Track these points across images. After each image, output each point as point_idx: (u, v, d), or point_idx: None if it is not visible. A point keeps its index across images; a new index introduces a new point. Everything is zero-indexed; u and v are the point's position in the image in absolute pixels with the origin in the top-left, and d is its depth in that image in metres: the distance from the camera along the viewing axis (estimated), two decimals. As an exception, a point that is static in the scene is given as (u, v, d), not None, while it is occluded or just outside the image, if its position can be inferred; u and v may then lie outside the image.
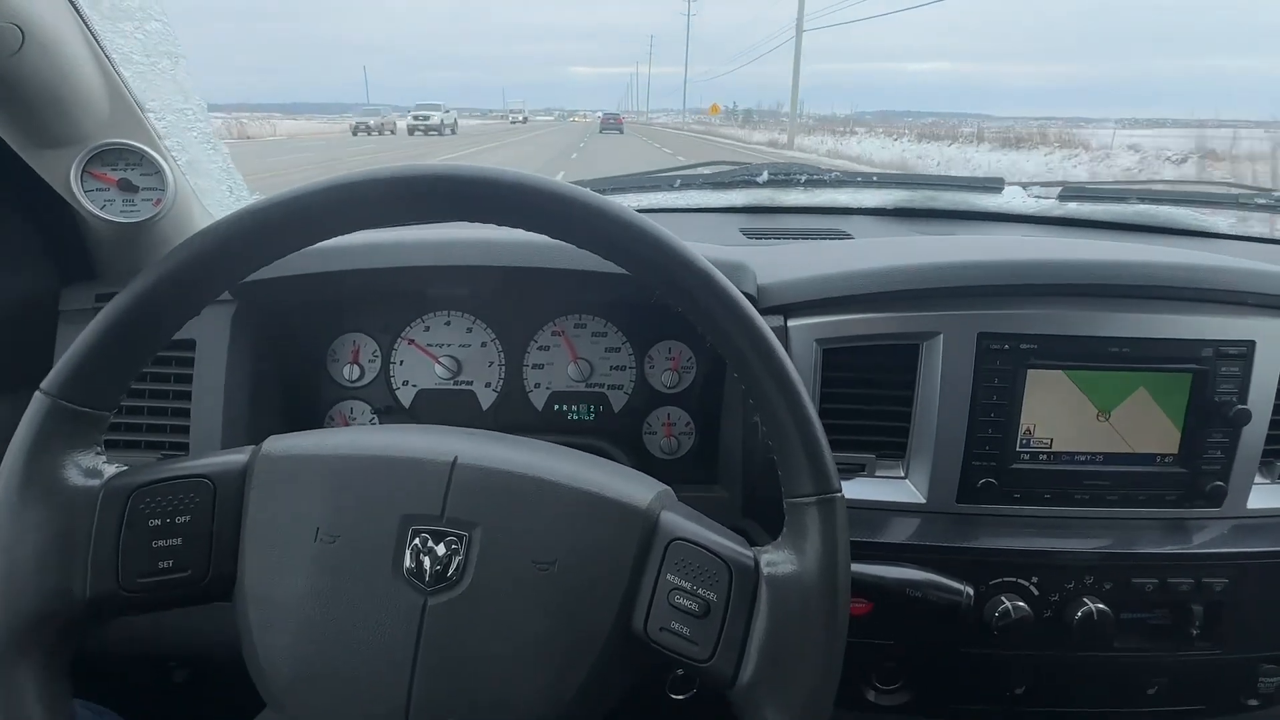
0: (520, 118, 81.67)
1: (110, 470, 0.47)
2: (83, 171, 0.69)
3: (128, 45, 0.75)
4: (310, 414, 0.90)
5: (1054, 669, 0.78)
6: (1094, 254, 0.81)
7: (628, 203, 1.26)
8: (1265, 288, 0.76)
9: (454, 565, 0.47)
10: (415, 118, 34.77)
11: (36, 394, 0.45)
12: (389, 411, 0.90)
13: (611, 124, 47.29)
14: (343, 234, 0.50)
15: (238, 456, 0.50)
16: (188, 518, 0.47)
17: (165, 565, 0.46)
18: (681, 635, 0.47)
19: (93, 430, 0.47)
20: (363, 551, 0.47)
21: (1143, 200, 1.29)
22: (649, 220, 0.48)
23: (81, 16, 0.68)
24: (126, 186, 0.70)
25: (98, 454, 0.48)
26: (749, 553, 0.48)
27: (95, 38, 0.70)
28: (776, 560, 0.48)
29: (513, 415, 0.91)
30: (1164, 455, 0.77)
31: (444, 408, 0.91)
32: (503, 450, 0.51)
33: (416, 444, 0.51)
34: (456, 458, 0.49)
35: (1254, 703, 0.81)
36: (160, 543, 0.46)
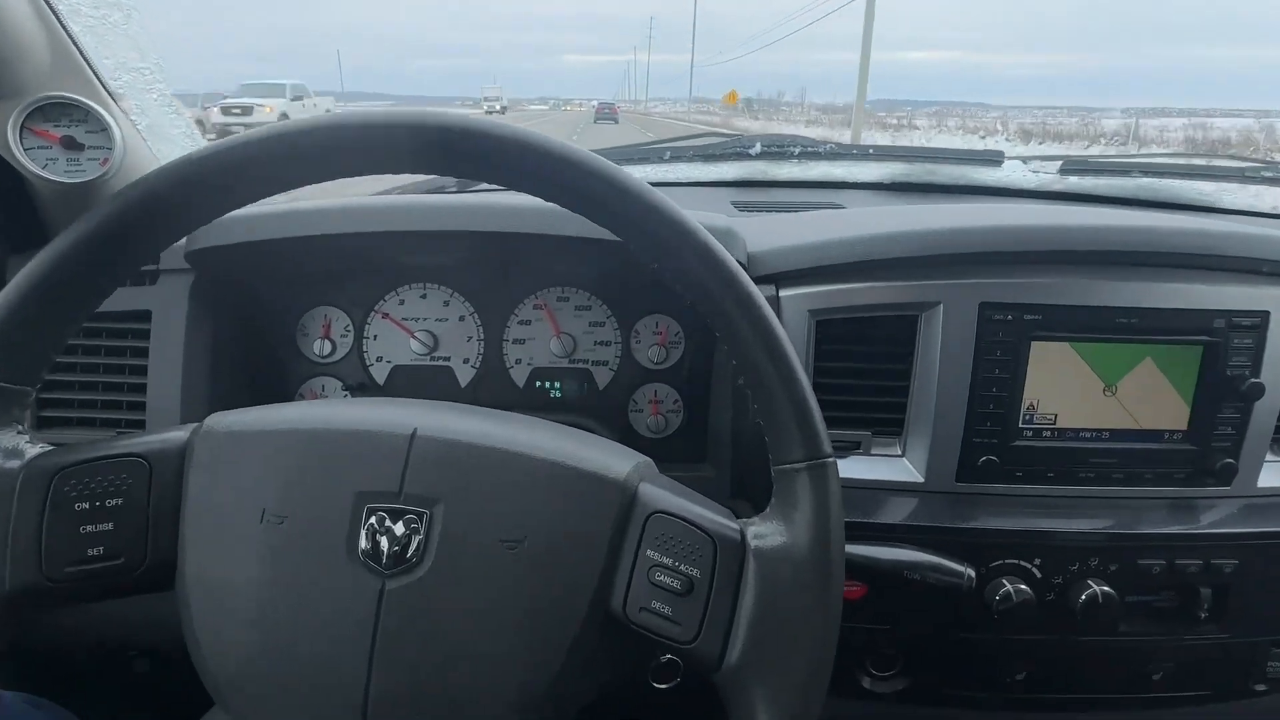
0: (496, 106, 64.38)
1: (33, 450, 0.43)
2: (21, 127, 0.64)
3: (73, -4, 0.70)
4: (280, 390, 0.86)
5: (1056, 654, 0.75)
6: (1100, 220, 0.77)
7: None
8: None
9: (414, 545, 0.43)
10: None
11: None
12: (362, 388, 0.86)
13: (606, 114, 45.63)
14: (293, 187, 0.45)
15: (177, 434, 0.46)
16: (119, 500, 0.43)
17: (95, 553, 0.43)
18: (663, 615, 0.43)
19: (12, 407, 0.43)
20: (313, 533, 0.43)
21: (1145, 174, 1.26)
22: (630, 174, 0.44)
23: None
24: (70, 144, 0.65)
25: (19, 433, 0.44)
26: (735, 525, 0.45)
27: None
28: (764, 532, 0.44)
29: (492, 392, 0.87)
30: (1173, 431, 0.74)
31: (420, 384, 0.87)
32: (467, 421, 0.47)
33: (373, 416, 0.47)
34: (416, 430, 0.45)
35: (1262, 688, 0.78)
36: (89, 528, 0.43)
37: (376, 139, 0.42)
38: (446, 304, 0.86)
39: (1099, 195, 1.26)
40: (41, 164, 0.65)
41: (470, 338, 0.87)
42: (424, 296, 0.86)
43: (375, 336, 0.86)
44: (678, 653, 0.43)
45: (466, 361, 0.87)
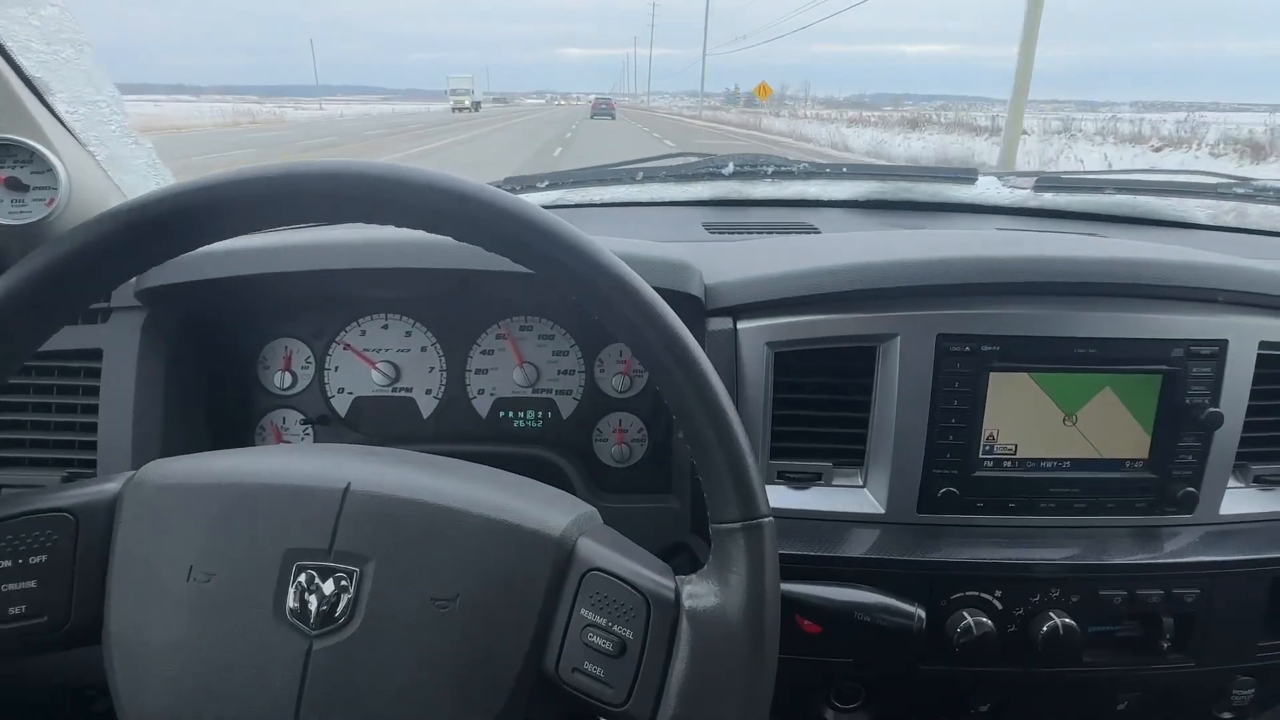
0: (466, 102, 55.39)
1: None
2: (-36, 170, 0.63)
3: (23, 32, 0.70)
4: (241, 425, 0.85)
5: (1020, 686, 0.74)
6: (1058, 250, 0.77)
7: (588, 197, 1.21)
8: (1237, 284, 0.72)
9: (342, 604, 0.42)
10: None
11: None
12: (324, 421, 0.86)
13: (603, 109, 44.48)
14: (224, 239, 0.45)
15: (108, 486, 0.46)
16: (43, 557, 0.43)
17: (17, 611, 0.42)
18: (595, 677, 0.43)
19: None
20: (240, 591, 0.43)
21: (1119, 190, 1.26)
22: (556, 218, 0.44)
23: None
24: (15, 185, 0.64)
25: None
26: (669, 584, 0.44)
27: None
28: (699, 592, 0.44)
29: (455, 423, 0.86)
30: (1133, 460, 0.73)
31: (382, 416, 0.86)
32: (404, 474, 0.47)
33: (307, 468, 0.46)
34: (349, 484, 0.45)
35: (1227, 715, 0.78)
36: (11, 586, 0.42)
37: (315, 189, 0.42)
38: (408, 334, 0.86)
39: (1074, 212, 1.26)
40: (-15, 206, 0.64)
41: (433, 368, 0.86)
42: (385, 327, 0.86)
43: (336, 368, 0.86)
44: (609, 715, 0.43)
45: (429, 392, 0.86)
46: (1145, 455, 0.73)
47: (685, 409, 0.44)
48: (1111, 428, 0.73)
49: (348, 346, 0.85)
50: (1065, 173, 1.33)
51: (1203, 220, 1.28)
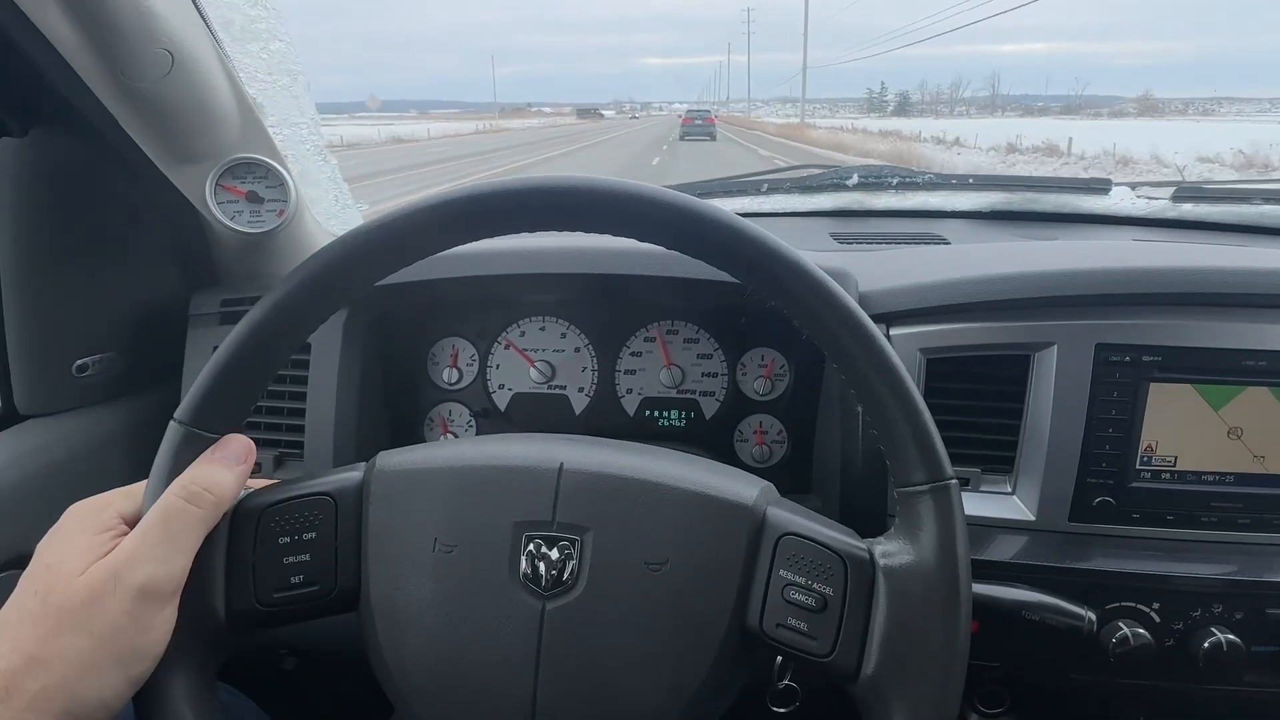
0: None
1: (240, 492, 0.49)
2: (216, 185, 0.73)
3: (253, 64, 0.80)
4: (412, 415, 0.94)
5: (1175, 701, 0.73)
6: (1220, 260, 0.76)
7: None
8: None
9: (569, 569, 0.48)
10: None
11: (171, 424, 0.47)
12: (485, 414, 0.93)
13: (698, 127, 31.47)
14: (449, 249, 0.51)
15: (353, 474, 0.52)
16: (314, 534, 0.49)
17: (297, 580, 0.48)
18: (800, 631, 0.46)
19: None
20: (480, 559, 0.48)
21: (1267, 201, 1.21)
22: (755, 225, 0.48)
23: (216, 39, 0.73)
24: (254, 198, 0.74)
25: None
26: (862, 545, 0.48)
27: (227, 59, 0.74)
28: (892, 551, 0.47)
29: (604, 420, 0.92)
30: None
31: (538, 411, 0.93)
32: (605, 454, 0.52)
33: (521, 452, 0.51)
34: (562, 464, 0.50)
35: (1404, 747, 0.75)
36: (291, 559, 0.48)
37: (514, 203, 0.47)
38: (564, 335, 0.92)
39: (1215, 223, 1.22)
40: (230, 216, 0.74)
41: (585, 368, 0.92)
42: (543, 328, 0.92)
43: (498, 365, 0.93)
44: (815, 666, 0.46)
45: (581, 390, 0.92)
46: None
47: (870, 388, 0.47)
48: (1279, 442, 0.71)
49: (509, 345, 0.92)
50: (1206, 182, 1.28)
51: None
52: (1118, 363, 0.71)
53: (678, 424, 0.92)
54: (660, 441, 0.90)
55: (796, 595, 0.46)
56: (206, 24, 0.71)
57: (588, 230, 0.49)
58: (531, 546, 0.48)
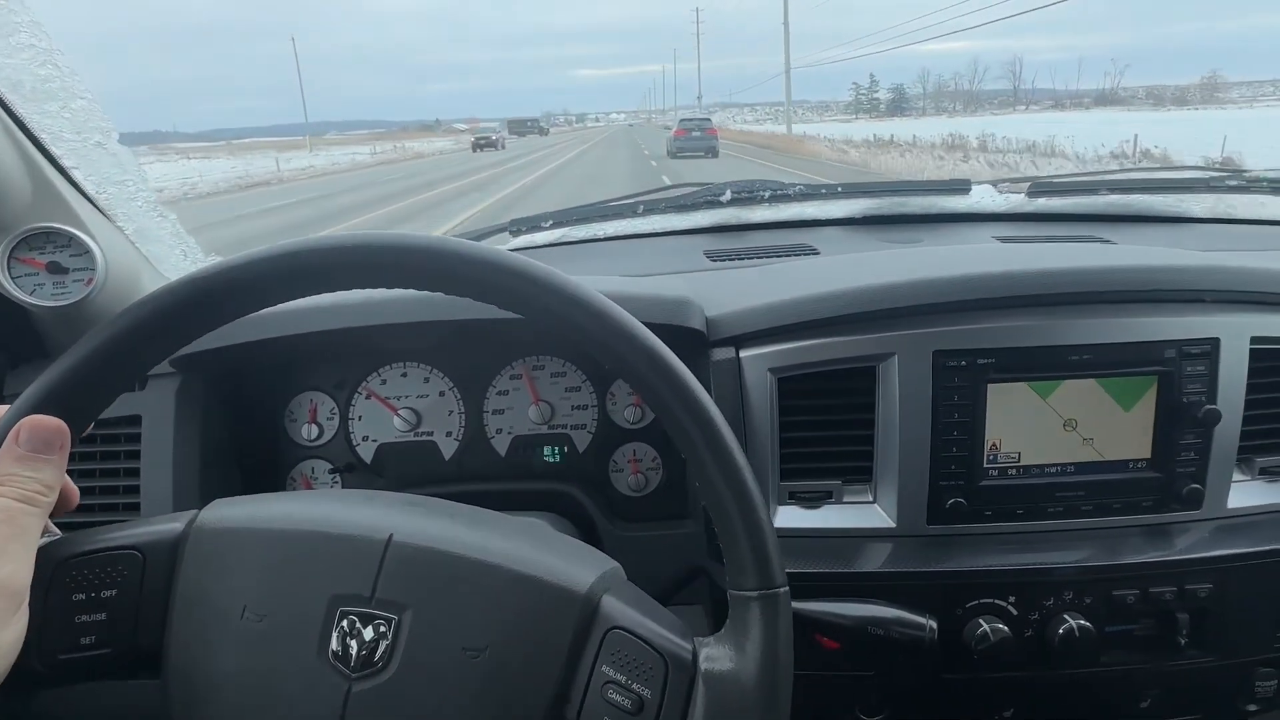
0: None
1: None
2: (9, 259, 0.68)
3: (55, 125, 0.75)
4: (271, 476, 0.89)
5: (1041, 689, 0.76)
6: (1044, 263, 0.79)
7: (591, 232, 1.25)
8: (1223, 283, 0.74)
9: (381, 650, 0.45)
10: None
11: None
12: (351, 469, 0.89)
13: (695, 140, 22.61)
14: (275, 304, 0.49)
15: (171, 525, 0.48)
16: (114, 591, 0.46)
17: (87, 641, 0.45)
18: None
19: None
20: (289, 632, 0.45)
21: (1113, 190, 1.28)
22: (580, 283, 0.47)
23: (2, 102, 0.68)
24: (56, 269, 0.69)
25: None
26: (687, 645, 0.46)
27: (18, 121, 0.70)
28: (715, 656, 0.46)
29: (476, 463, 0.90)
30: (1136, 461, 0.75)
31: (406, 460, 0.90)
32: (441, 525, 0.49)
33: (353, 519, 0.49)
34: (391, 535, 0.48)
35: (1253, 707, 0.79)
36: (84, 617, 0.45)
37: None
38: (426, 380, 0.89)
39: (1069, 214, 1.29)
40: (29, 290, 0.69)
41: (451, 411, 0.90)
42: (404, 374, 0.89)
43: (360, 417, 0.89)
44: None
45: (449, 434, 0.90)
46: (1148, 455, 0.75)
47: (707, 476, 0.46)
48: (1112, 431, 0.75)
49: (370, 395, 0.89)
50: (1057, 176, 1.35)
51: (1199, 214, 1.29)
52: (955, 367, 0.73)
53: (552, 460, 0.90)
54: (535, 481, 0.89)
55: (614, 695, 0.44)
56: None
57: (356, 287, 0.48)
58: (345, 623, 0.46)
